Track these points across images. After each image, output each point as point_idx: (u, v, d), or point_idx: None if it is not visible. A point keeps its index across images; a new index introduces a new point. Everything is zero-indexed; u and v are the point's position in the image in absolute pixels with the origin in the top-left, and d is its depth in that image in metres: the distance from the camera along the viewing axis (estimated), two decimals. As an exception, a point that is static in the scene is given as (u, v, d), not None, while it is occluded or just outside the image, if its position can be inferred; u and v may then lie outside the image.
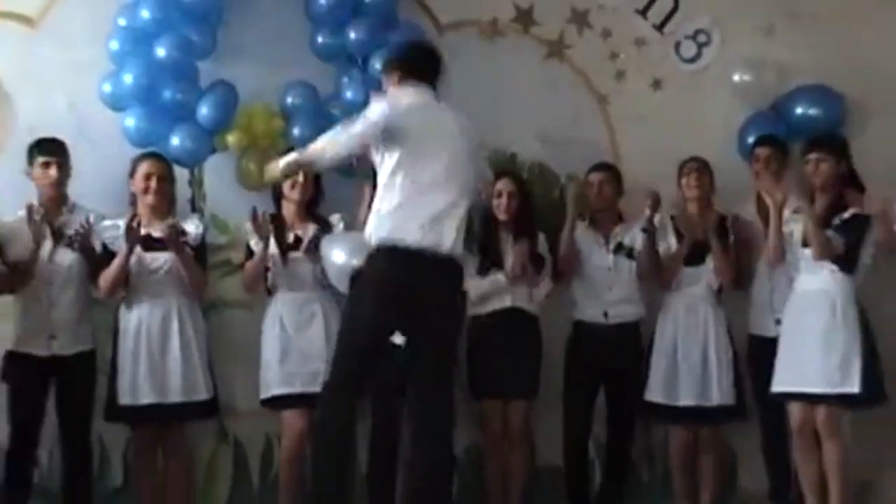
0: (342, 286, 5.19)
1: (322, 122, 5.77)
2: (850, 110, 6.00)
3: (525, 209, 5.69)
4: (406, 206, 4.53)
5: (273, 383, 5.49)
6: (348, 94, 5.82)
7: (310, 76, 5.90)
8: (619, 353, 5.72)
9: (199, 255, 5.55)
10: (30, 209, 5.30)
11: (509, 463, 5.65)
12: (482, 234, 5.62)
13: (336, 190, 5.66)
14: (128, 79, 5.70)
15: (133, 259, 5.44)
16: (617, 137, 6.13)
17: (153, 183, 5.49)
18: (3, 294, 5.39)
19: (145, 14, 5.74)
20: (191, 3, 5.76)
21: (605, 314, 5.73)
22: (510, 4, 6.13)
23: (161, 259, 5.44)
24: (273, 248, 5.51)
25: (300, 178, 5.52)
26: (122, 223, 5.49)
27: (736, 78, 6.05)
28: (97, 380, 5.48)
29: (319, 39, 5.91)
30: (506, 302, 5.64)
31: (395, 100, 4.61)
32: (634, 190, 5.89)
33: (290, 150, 5.55)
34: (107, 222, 5.50)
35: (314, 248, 5.44)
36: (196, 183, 5.90)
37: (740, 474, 5.93)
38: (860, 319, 5.24)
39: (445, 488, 4.65)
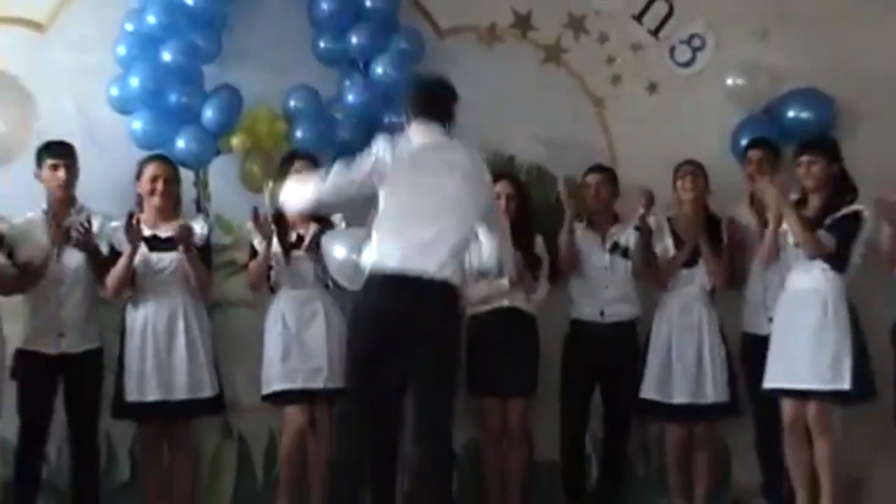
0: (344, 281, 5.21)
1: (324, 125, 5.86)
2: (841, 113, 6.00)
3: (523, 211, 5.69)
4: (392, 237, 4.60)
5: (274, 379, 5.49)
6: (350, 98, 5.85)
7: (312, 80, 5.91)
8: (616, 351, 5.73)
9: (204, 256, 5.55)
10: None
11: (508, 459, 5.66)
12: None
13: None
14: (135, 82, 5.71)
15: (139, 259, 5.44)
16: (613, 140, 6.13)
17: (159, 185, 5.51)
18: (14, 294, 5.40)
19: (152, 19, 5.76)
20: (196, 8, 5.77)
21: (602, 313, 5.75)
22: (508, 10, 6.14)
23: (167, 259, 5.46)
24: (276, 246, 5.50)
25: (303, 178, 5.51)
26: None
27: (729, 82, 6.06)
28: (104, 377, 5.49)
29: (321, 44, 5.93)
30: (504, 301, 5.65)
31: (389, 143, 4.69)
32: (630, 191, 5.86)
33: (292, 153, 5.66)
34: (114, 223, 5.50)
35: (315, 247, 5.43)
36: (201, 184, 5.90)
37: (734, 469, 5.93)
38: (851, 318, 5.24)
39: (445, 487, 4.65)
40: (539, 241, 5.77)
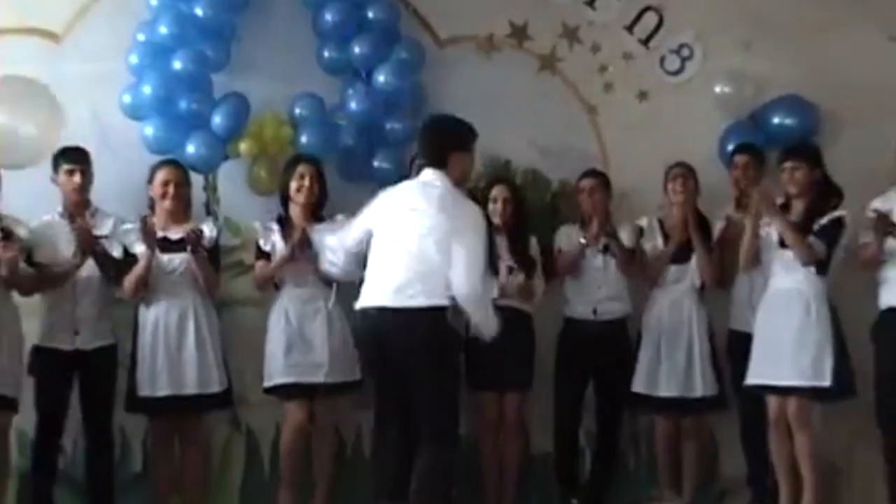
0: (336, 270, 5.19)
1: (328, 131, 5.86)
2: (823, 119, 6.00)
3: (519, 214, 5.73)
4: (375, 277, 4.71)
5: (276, 373, 5.51)
6: (352, 105, 5.85)
7: (317, 88, 5.92)
8: (608, 347, 5.74)
9: (213, 256, 5.56)
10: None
11: (504, 450, 5.69)
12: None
13: (339, 192, 5.69)
14: (147, 90, 5.73)
15: (142, 257, 5.41)
16: (606, 145, 6.14)
17: (171, 188, 5.52)
18: (32, 294, 5.41)
19: (163, 30, 5.78)
20: (206, 19, 5.78)
21: (595, 311, 5.76)
22: (505, 21, 6.13)
23: (177, 260, 5.48)
24: (280, 246, 5.53)
25: (306, 181, 5.57)
26: (141, 227, 5.46)
27: (717, 89, 6.07)
28: (118, 373, 5.51)
29: (326, 54, 5.94)
30: (500, 301, 5.49)
31: (385, 192, 4.85)
32: (622, 194, 5.91)
33: (296, 157, 5.66)
34: (127, 226, 5.52)
35: (308, 245, 5.40)
36: (210, 188, 5.91)
37: (721, 461, 5.92)
38: (831, 318, 5.27)
39: (442, 489, 4.65)
40: (533, 243, 5.78)
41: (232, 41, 5.90)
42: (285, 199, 5.65)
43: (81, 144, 5.57)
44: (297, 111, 5.90)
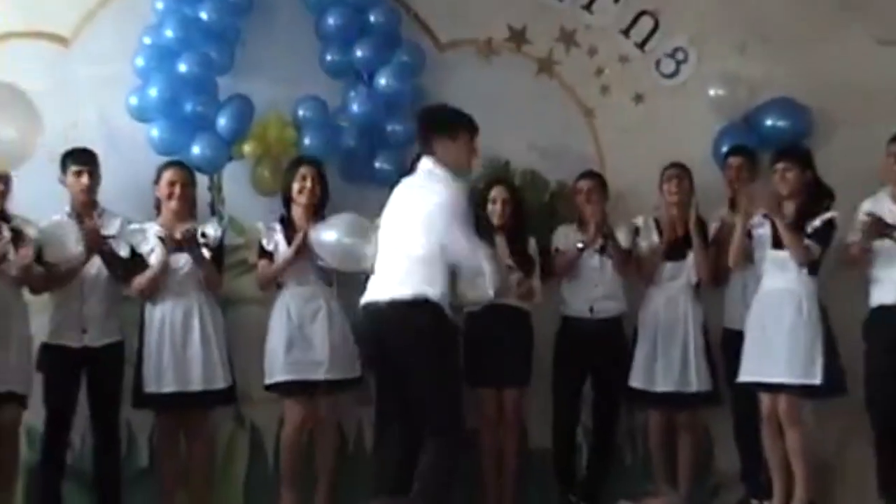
0: (336, 263, 5.30)
1: (330, 132, 5.86)
2: (815, 122, 6.02)
3: (517, 214, 5.75)
4: (375, 273, 4.75)
5: (277, 370, 5.52)
6: (354, 108, 5.88)
7: (319, 91, 5.94)
8: (604, 345, 5.77)
9: (217, 255, 5.58)
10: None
11: (503, 445, 5.71)
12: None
13: (341, 193, 5.72)
14: (153, 92, 5.74)
15: (157, 260, 5.48)
16: (602, 147, 6.15)
17: (177, 189, 5.55)
18: (42, 293, 5.45)
19: (169, 33, 5.79)
20: (211, 23, 5.80)
21: (591, 309, 5.78)
22: (504, 25, 6.16)
23: (183, 260, 5.49)
24: (283, 246, 5.55)
25: (307, 183, 5.59)
26: (147, 227, 5.53)
27: (711, 92, 6.08)
28: (125, 370, 5.53)
29: (328, 57, 5.94)
30: (500, 299, 5.55)
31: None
32: (619, 195, 5.93)
33: (299, 159, 5.66)
34: (133, 226, 5.56)
35: (306, 246, 5.46)
36: (215, 188, 5.93)
37: (716, 456, 5.94)
38: (822, 317, 5.31)
39: (443, 485, 4.63)
40: (532, 243, 5.81)
41: (236, 44, 5.91)
42: (287, 200, 5.67)
43: (89, 146, 5.60)
44: (301, 113, 5.91)
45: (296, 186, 5.62)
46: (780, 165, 5.42)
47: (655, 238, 5.84)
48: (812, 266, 5.34)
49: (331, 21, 5.91)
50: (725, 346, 5.74)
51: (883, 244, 5.41)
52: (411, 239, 4.64)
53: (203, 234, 5.55)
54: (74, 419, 5.53)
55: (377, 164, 5.93)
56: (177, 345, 5.48)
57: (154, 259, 5.52)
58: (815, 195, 5.41)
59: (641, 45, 6.22)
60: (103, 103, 5.89)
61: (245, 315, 5.84)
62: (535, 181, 6.10)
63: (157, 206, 5.63)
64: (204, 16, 5.81)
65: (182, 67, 5.77)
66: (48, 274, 5.41)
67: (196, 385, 5.47)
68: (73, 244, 5.44)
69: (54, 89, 5.76)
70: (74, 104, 5.74)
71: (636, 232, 5.88)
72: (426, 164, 4.77)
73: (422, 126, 4.86)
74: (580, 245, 5.77)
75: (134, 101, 5.83)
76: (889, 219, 5.39)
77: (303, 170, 5.63)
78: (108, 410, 5.54)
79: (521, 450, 5.77)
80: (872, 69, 6.03)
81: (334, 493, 5.63)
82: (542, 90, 6.17)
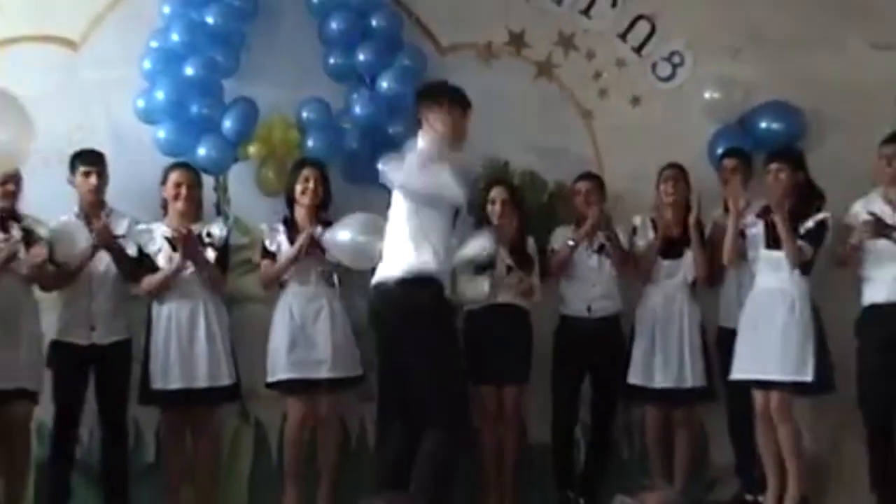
0: (349, 261, 5.34)
1: (333, 134, 5.87)
2: (808, 124, 6.04)
3: (517, 214, 5.76)
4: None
5: (279, 368, 5.55)
6: (357, 110, 5.90)
7: (323, 93, 5.96)
8: (602, 343, 5.79)
9: (222, 255, 5.62)
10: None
11: (503, 441, 5.74)
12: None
13: (343, 194, 5.74)
14: (159, 95, 5.78)
15: (165, 259, 5.53)
16: (600, 149, 6.19)
17: (183, 190, 5.58)
18: (53, 290, 5.50)
19: (175, 37, 5.83)
20: (216, 27, 5.83)
21: (589, 308, 5.81)
22: (504, 29, 6.19)
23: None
24: (286, 247, 5.57)
25: (310, 184, 5.60)
26: (154, 227, 5.57)
27: (706, 95, 6.11)
28: (132, 367, 5.56)
29: (331, 61, 5.97)
30: (499, 298, 5.63)
31: None
32: (616, 196, 5.96)
33: (302, 161, 5.68)
34: (141, 226, 5.60)
35: (319, 248, 5.50)
36: (221, 189, 5.96)
37: (711, 451, 5.96)
38: (814, 317, 5.34)
39: (441, 475, 4.62)
40: (531, 242, 5.84)
41: (241, 48, 5.94)
42: (291, 201, 5.70)
43: (97, 147, 5.64)
44: (304, 115, 5.94)
45: (299, 188, 5.65)
46: (772, 166, 5.46)
47: (651, 237, 5.85)
48: (804, 266, 5.38)
49: (334, 25, 5.94)
50: (720, 344, 5.76)
51: (875, 244, 5.43)
52: (401, 220, 4.66)
53: (209, 234, 5.60)
54: (83, 415, 5.57)
55: (379, 166, 5.82)
56: (183, 342, 5.51)
57: (162, 259, 5.56)
58: (807, 196, 5.44)
59: (638, 50, 6.25)
60: (111, 106, 5.93)
61: (250, 313, 5.87)
62: (534, 182, 6.13)
63: (164, 207, 5.67)
64: (210, 20, 5.85)
65: (188, 71, 5.81)
66: (58, 272, 5.45)
67: (202, 382, 5.50)
68: (83, 244, 5.48)
69: (63, 92, 5.82)
70: (82, 107, 5.78)
71: (633, 231, 5.90)
72: (418, 139, 4.75)
73: (416, 102, 4.83)
74: (571, 242, 5.81)
75: (141, 103, 5.87)
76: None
77: (306, 171, 5.66)
78: (115, 406, 5.58)
79: (520, 445, 5.80)
80: (865, 73, 6.07)
81: (337, 489, 5.66)
82: (541, 93, 6.21)
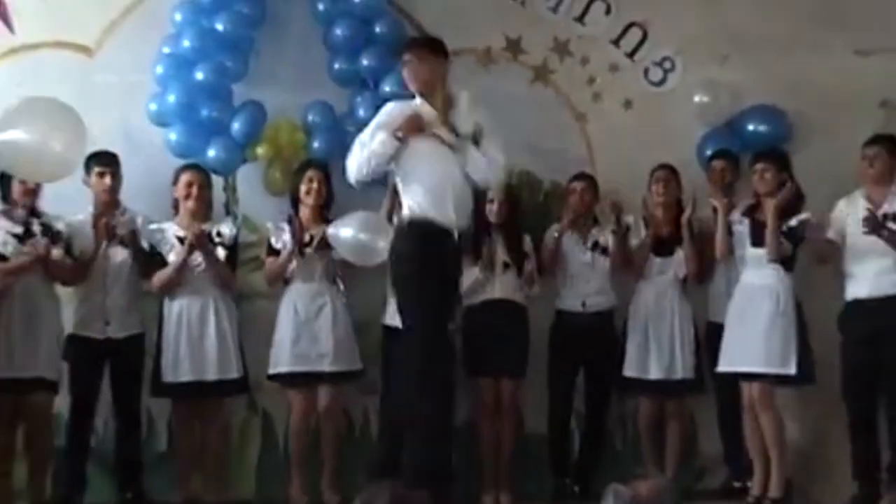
0: (353, 258, 5.41)
1: (338, 137, 5.85)
2: (794, 127, 6.10)
3: (513, 213, 5.83)
4: None
5: (281, 362, 5.62)
6: (361, 113, 5.89)
7: (328, 97, 6.02)
8: (596, 337, 5.86)
9: (232, 253, 5.69)
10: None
11: (500, 432, 5.77)
12: (473, 234, 5.56)
13: (345, 195, 5.67)
14: (171, 99, 5.86)
15: (176, 257, 5.59)
16: (594, 150, 6.25)
17: (194, 190, 5.66)
18: (71, 284, 5.58)
19: (186, 43, 5.90)
20: (226, 34, 5.90)
21: (584, 304, 5.88)
22: (501, 35, 6.24)
23: (199, 258, 5.62)
24: (290, 245, 5.63)
25: (314, 185, 5.67)
26: (166, 226, 5.66)
27: (696, 99, 6.16)
28: (145, 360, 5.65)
29: (336, 66, 6.03)
30: (497, 293, 5.76)
31: None
32: (608, 194, 5.98)
33: (307, 162, 5.73)
34: (153, 225, 5.67)
35: (326, 246, 5.57)
36: (230, 189, 6.03)
37: (700, 441, 6.02)
38: (797, 311, 5.42)
39: (440, 443, 4.67)
40: (527, 240, 5.89)
41: (250, 54, 6.00)
42: (295, 201, 5.77)
43: (111, 149, 5.70)
44: (310, 118, 6.00)
45: (303, 188, 5.73)
46: (758, 166, 5.54)
47: (644, 235, 5.90)
48: (787, 262, 5.46)
49: (338, 32, 6.00)
50: (709, 339, 5.82)
51: (856, 241, 5.49)
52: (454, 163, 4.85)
53: (219, 234, 5.68)
54: (97, 406, 5.66)
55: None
56: (193, 337, 5.59)
57: (173, 257, 5.64)
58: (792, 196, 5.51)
59: (631, 55, 6.31)
60: (125, 109, 5.99)
61: (258, 308, 5.92)
62: (530, 181, 6.20)
63: (175, 206, 5.75)
64: (220, 27, 5.92)
65: (199, 75, 5.88)
66: (75, 266, 5.54)
67: (211, 374, 5.58)
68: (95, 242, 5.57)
69: (78, 96, 5.69)
70: (97, 110, 5.75)
71: (626, 230, 5.91)
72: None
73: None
74: (556, 234, 5.87)
75: (153, 107, 5.94)
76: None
77: (310, 173, 5.73)
78: (129, 398, 5.66)
79: (517, 436, 5.83)
80: (849, 77, 6.13)
81: (340, 477, 5.73)
82: (538, 96, 6.26)
